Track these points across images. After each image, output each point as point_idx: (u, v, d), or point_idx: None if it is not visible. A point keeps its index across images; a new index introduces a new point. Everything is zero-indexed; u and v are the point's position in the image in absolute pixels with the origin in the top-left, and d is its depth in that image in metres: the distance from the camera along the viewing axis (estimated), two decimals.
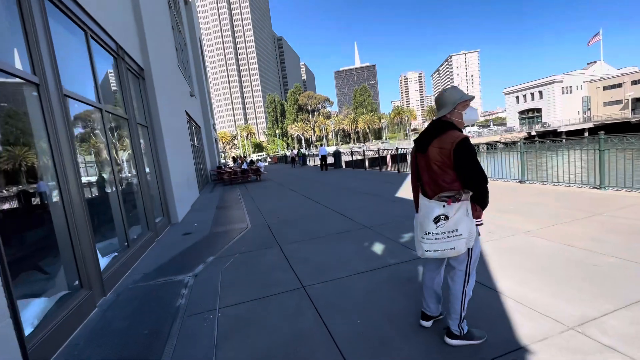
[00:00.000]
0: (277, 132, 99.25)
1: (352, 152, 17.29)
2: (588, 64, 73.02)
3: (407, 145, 55.46)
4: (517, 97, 69.08)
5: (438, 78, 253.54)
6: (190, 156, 11.23)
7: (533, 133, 53.93)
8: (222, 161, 26.44)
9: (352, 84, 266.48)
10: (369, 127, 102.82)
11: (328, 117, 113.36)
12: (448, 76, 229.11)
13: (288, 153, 57.70)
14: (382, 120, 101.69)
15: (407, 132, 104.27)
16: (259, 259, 4.10)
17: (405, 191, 8.06)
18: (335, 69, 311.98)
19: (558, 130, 52.40)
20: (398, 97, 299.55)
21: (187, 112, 12.19)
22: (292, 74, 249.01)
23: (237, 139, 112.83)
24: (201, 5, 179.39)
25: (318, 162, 22.66)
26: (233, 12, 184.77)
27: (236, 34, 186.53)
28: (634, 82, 54.46)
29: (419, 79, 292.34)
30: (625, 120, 48.47)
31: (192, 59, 18.78)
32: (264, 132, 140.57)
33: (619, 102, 56.54)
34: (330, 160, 19.58)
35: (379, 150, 15.43)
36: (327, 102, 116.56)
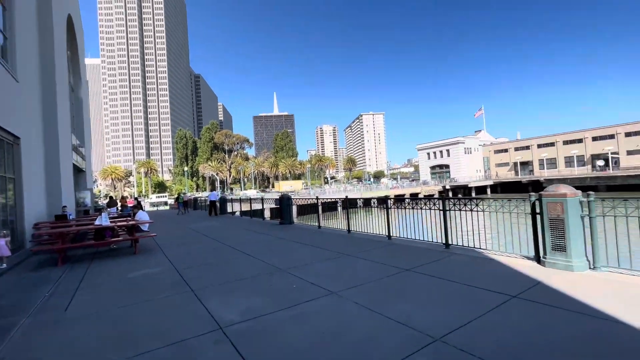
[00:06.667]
0: (185, 169, 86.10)
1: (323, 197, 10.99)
2: (475, 132, 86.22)
3: (333, 194, 51.65)
4: (428, 154, 75.18)
5: (350, 133, 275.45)
6: None
7: (448, 187, 57.06)
8: (86, 204, 16.61)
9: (270, 130, 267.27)
10: (290, 172, 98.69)
11: (246, 158, 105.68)
12: (359, 133, 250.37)
13: (171, 201, 44.03)
14: (308, 166, 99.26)
15: (328, 179, 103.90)
16: None
17: None
18: (254, 114, 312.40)
19: (469, 186, 56.59)
20: (314, 147, 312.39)
21: None
22: (208, 113, 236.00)
23: (134, 175, 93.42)
24: (105, 12, 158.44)
25: (239, 210, 17.94)
26: (145, 37, 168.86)
27: (146, 62, 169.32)
28: (516, 149, 64.58)
29: (333, 132, 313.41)
30: (517, 180, 55.34)
31: (22, 25, 10.30)
32: (169, 169, 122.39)
33: (506, 164, 65.84)
34: (256, 205, 12.59)
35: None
36: (247, 143, 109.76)
